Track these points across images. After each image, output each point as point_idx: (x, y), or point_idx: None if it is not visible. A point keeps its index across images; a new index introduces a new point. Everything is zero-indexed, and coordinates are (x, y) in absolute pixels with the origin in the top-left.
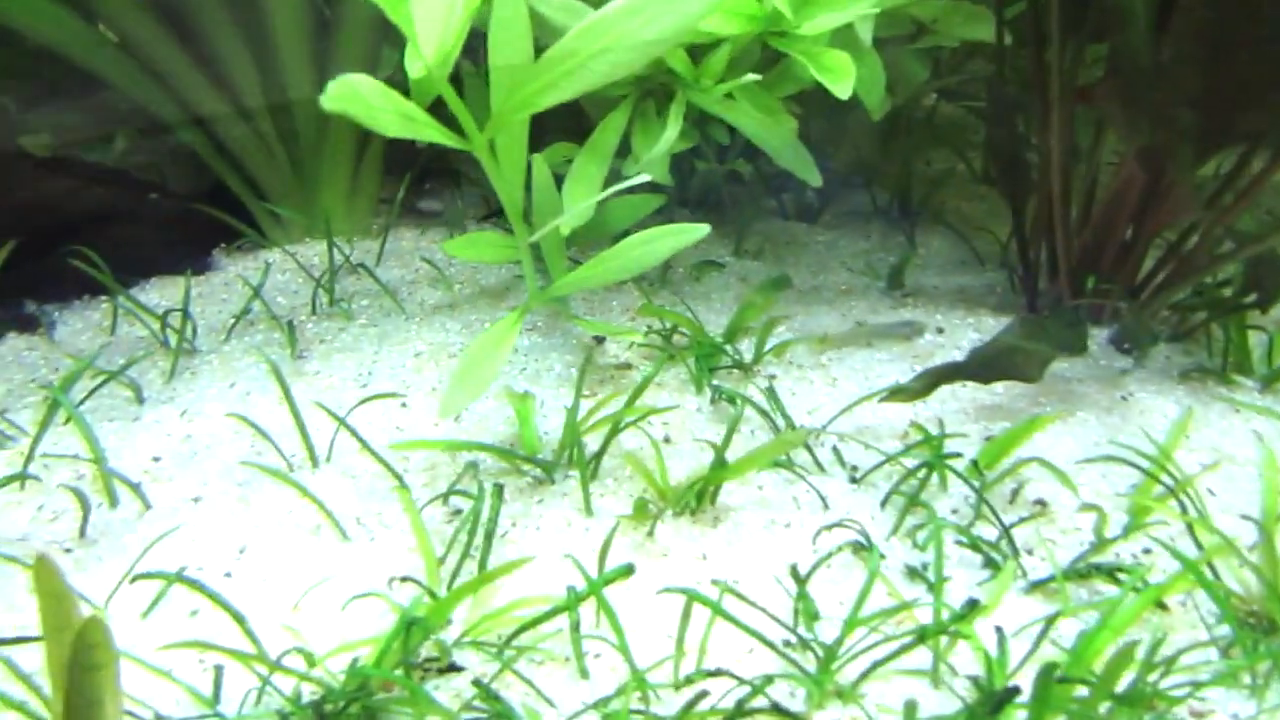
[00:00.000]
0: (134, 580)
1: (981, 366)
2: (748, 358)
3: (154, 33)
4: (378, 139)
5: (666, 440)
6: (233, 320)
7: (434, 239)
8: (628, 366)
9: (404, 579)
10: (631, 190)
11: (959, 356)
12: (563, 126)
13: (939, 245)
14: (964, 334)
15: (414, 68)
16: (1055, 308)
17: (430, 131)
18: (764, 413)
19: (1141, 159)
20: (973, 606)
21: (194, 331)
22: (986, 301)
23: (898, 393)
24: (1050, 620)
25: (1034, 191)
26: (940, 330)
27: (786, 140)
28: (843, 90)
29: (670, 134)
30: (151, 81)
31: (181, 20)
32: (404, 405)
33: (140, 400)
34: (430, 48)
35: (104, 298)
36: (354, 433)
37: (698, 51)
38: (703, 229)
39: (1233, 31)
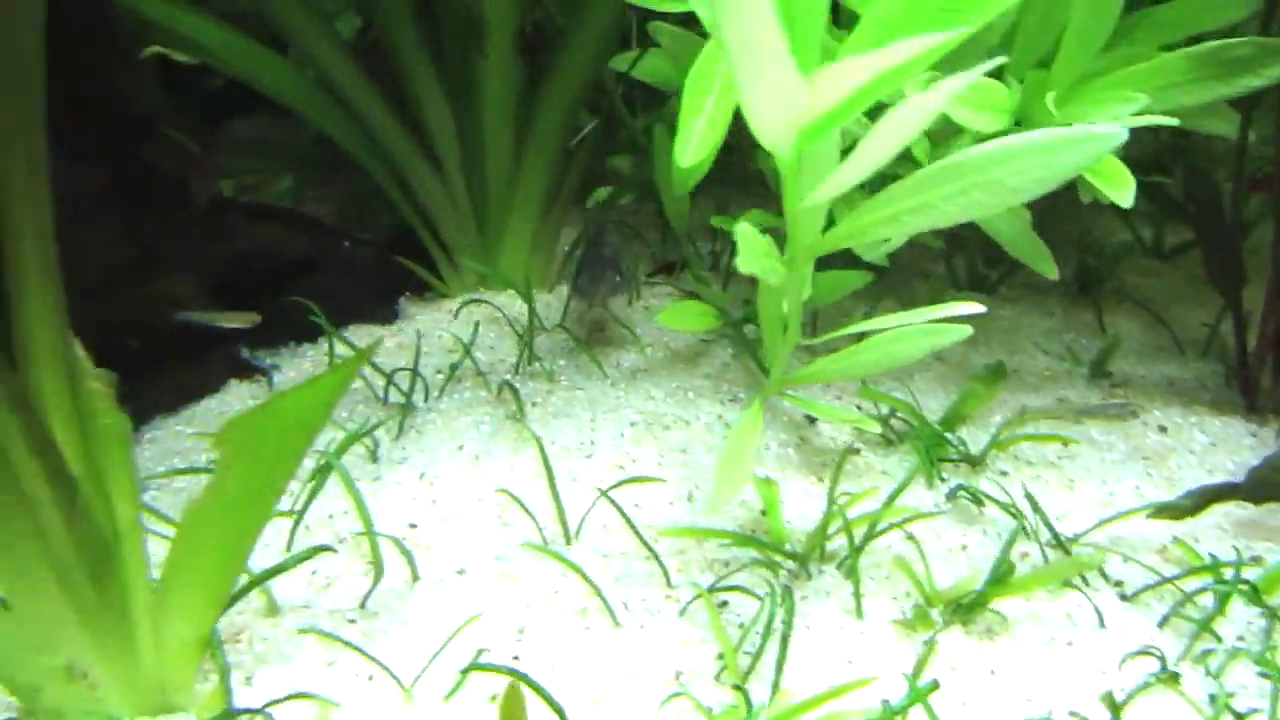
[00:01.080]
0: (432, 658)
1: (1257, 487)
2: (970, 448)
3: (360, 82)
4: (565, 198)
5: (910, 538)
6: (443, 378)
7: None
8: (854, 451)
9: (688, 675)
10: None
11: (1192, 459)
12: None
13: (1130, 328)
14: (1190, 434)
15: (683, 156)
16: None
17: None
18: (1014, 513)
19: None
20: None
21: (414, 387)
22: (1201, 397)
23: (1166, 510)
24: None
25: (1247, 282)
26: (1163, 429)
27: (1021, 230)
28: (1125, 199)
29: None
30: (359, 132)
31: (389, 76)
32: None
33: (375, 458)
34: (689, 157)
35: (309, 345)
36: (624, 515)
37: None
38: (965, 330)
39: None
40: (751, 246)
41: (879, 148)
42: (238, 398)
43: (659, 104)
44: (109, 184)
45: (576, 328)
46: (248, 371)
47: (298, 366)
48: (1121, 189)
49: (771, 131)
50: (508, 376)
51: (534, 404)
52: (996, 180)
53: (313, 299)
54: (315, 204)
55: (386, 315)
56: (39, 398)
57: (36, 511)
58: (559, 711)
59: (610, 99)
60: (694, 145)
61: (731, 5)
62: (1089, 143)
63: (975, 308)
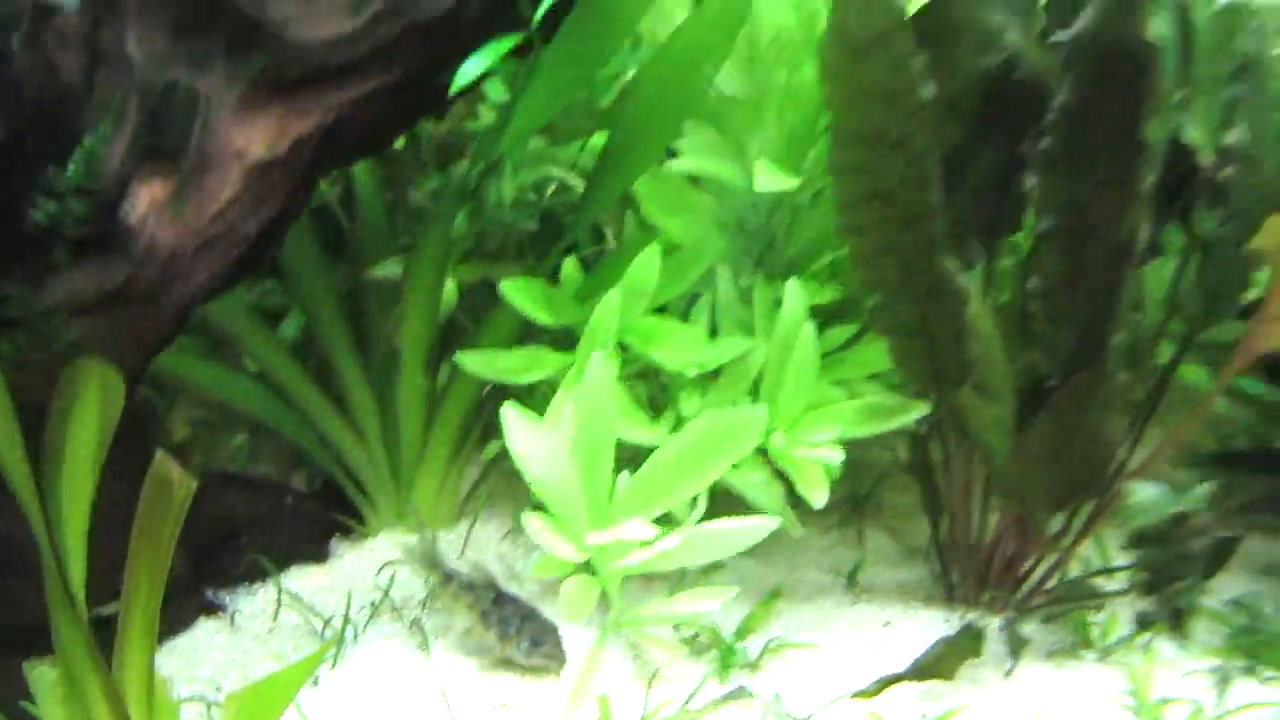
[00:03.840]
0: None
1: (916, 670)
2: (749, 654)
3: (293, 373)
4: (467, 452)
5: None
6: (367, 614)
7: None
8: (671, 662)
9: None
10: None
11: (907, 646)
12: None
13: (884, 539)
14: (908, 626)
15: None
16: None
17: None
18: (773, 702)
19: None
20: None
21: (344, 622)
22: (919, 594)
23: (861, 693)
24: None
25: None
26: (888, 624)
27: (778, 504)
28: (817, 501)
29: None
30: (290, 413)
31: (320, 365)
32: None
33: (315, 683)
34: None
35: (260, 585)
36: None
37: None
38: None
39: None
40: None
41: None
42: (205, 633)
43: None
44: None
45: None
46: (212, 610)
47: (252, 604)
48: (815, 491)
49: (563, 553)
50: (419, 614)
51: (438, 638)
52: None
53: (264, 546)
54: (266, 458)
55: (321, 555)
56: (126, 698)
57: None
58: None
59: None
60: None
61: (535, 457)
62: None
63: (770, 523)
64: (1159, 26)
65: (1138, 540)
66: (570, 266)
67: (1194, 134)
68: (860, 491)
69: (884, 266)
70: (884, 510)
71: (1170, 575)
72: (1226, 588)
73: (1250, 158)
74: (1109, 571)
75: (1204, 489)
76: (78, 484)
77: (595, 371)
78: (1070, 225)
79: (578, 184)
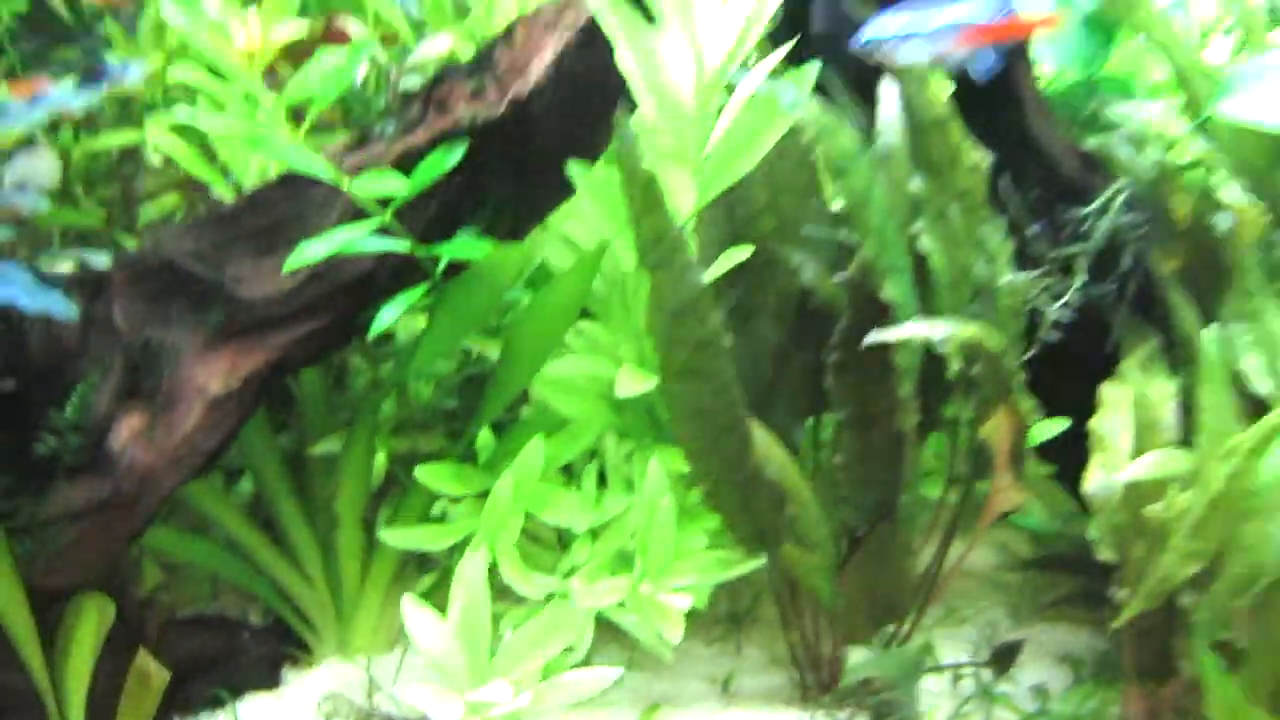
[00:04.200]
0: None
1: None
2: None
3: (245, 527)
4: (403, 585)
5: None
6: None
7: None
8: None
9: None
10: None
11: None
12: None
13: (757, 649)
14: None
15: None
16: None
17: None
18: None
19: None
20: None
21: None
22: (781, 696)
23: None
24: None
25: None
26: None
27: (653, 636)
28: (676, 637)
29: None
30: (244, 564)
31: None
32: None
33: None
34: None
35: (221, 712)
36: None
37: None
38: None
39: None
40: None
41: None
42: None
43: None
44: None
45: None
46: None
47: None
48: (672, 629)
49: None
50: None
51: None
52: None
53: (223, 677)
54: (226, 595)
55: (272, 683)
56: None
57: None
58: None
59: None
60: None
61: (426, 635)
62: None
63: (613, 672)
64: (899, 287)
65: None
66: (485, 438)
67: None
68: (740, 607)
69: (707, 461)
70: (759, 623)
71: None
72: (1028, 677)
73: (991, 355)
74: (938, 669)
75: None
76: (80, 670)
77: (470, 571)
78: (858, 415)
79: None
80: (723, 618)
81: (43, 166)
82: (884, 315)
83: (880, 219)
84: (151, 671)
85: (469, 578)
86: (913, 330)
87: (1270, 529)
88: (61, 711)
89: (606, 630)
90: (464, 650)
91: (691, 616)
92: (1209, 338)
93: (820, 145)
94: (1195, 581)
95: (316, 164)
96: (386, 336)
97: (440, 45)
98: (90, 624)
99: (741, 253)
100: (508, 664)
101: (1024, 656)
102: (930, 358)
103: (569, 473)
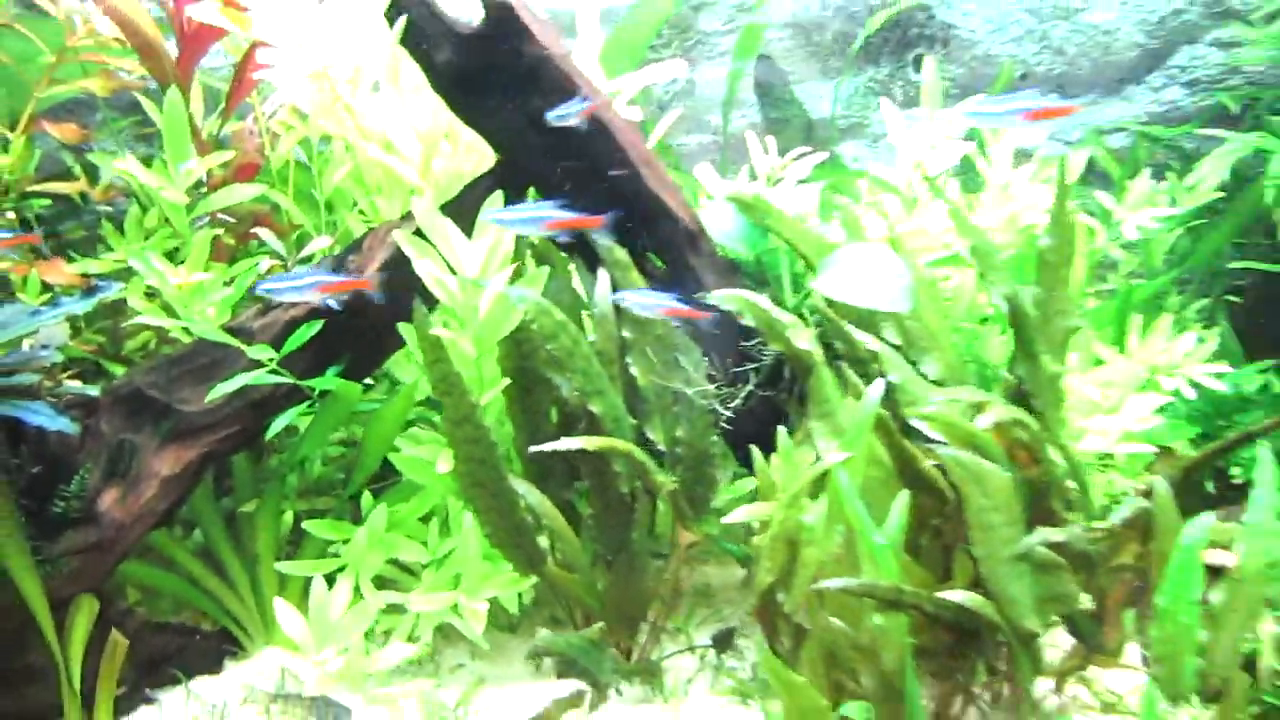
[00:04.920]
0: None
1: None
2: None
3: (196, 564)
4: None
5: None
6: (238, 705)
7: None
8: None
9: None
10: None
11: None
12: None
13: None
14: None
15: None
16: None
17: None
18: None
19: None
20: None
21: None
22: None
23: None
24: None
25: None
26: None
27: (474, 631)
28: (478, 632)
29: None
30: (196, 590)
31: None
32: None
33: None
34: None
35: (177, 687)
36: None
37: None
38: None
39: (622, 592)
40: None
41: None
42: (145, 715)
43: None
44: None
45: None
46: (150, 702)
47: (172, 699)
48: (476, 626)
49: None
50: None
51: None
52: None
53: (182, 664)
54: (186, 607)
55: (217, 669)
56: None
57: None
58: None
59: None
60: None
61: (295, 630)
62: None
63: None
64: (602, 403)
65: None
66: (367, 500)
67: (652, 434)
68: (559, 615)
69: (486, 514)
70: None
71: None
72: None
73: (687, 440)
74: (692, 649)
75: None
76: (78, 643)
77: (318, 589)
78: (595, 482)
79: None
80: (545, 622)
81: (57, 333)
82: (598, 423)
83: (584, 362)
84: (117, 643)
85: (317, 592)
86: (565, 444)
87: (815, 552)
88: (68, 678)
89: (454, 633)
90: (312, 632)
91: (525, 619)
92: (784, 431)
93: (537, 322)
94: (781, 584)
95: (226, 336)
96: (293, 431)
97: (322, 243)
98: (84, 618)
99: (501, 383)
100: (333, 640)
101: (748, 643)
102: (645, 439)
103: (427, 520)
